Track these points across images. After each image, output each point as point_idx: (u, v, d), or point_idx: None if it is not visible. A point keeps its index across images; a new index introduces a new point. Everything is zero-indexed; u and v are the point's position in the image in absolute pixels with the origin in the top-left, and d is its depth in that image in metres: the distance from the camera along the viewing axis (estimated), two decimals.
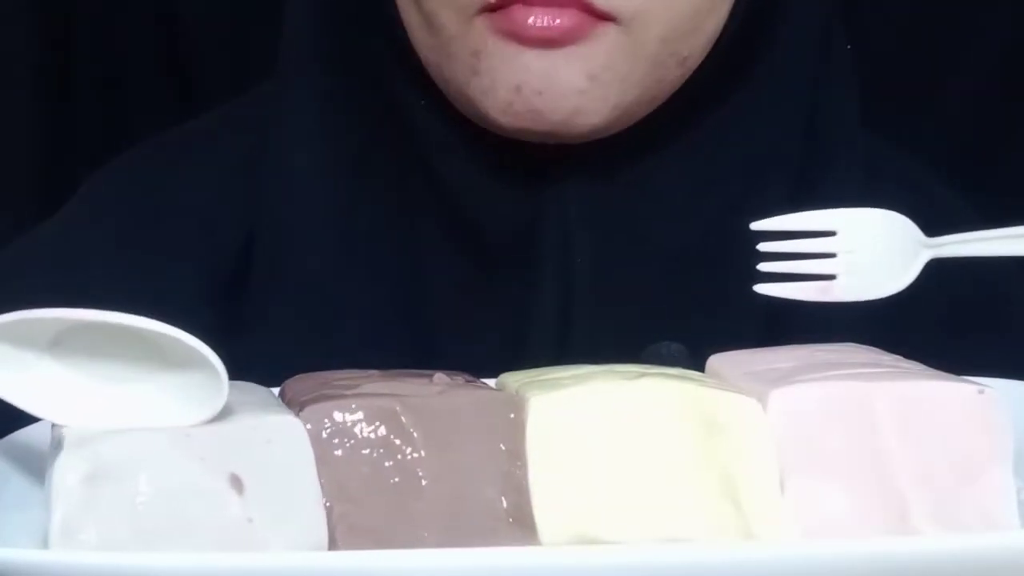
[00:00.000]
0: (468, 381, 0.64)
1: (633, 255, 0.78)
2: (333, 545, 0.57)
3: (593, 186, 0.78)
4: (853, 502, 0.59)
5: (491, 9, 0.73)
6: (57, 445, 0.57)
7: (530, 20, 0.72)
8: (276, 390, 0.65)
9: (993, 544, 0.56)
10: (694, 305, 0.78)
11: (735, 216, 0.78)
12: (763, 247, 0.67)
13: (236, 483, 0.57)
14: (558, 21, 0.72)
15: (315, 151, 0.80)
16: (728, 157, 0.79)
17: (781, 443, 0.59)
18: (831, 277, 0.67)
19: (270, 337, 0.77)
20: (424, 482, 0.58)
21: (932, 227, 0.67)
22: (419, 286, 0.79)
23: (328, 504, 0.58)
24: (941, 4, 1.22)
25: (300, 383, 0.64)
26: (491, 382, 0.66)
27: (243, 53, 0.85)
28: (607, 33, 0.73)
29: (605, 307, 0.77)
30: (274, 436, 0.58)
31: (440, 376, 0.63)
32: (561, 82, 0.73)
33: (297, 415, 0.59)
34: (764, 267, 0.67)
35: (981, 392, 0.59)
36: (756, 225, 0.67)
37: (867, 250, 0.67)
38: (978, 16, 1.22)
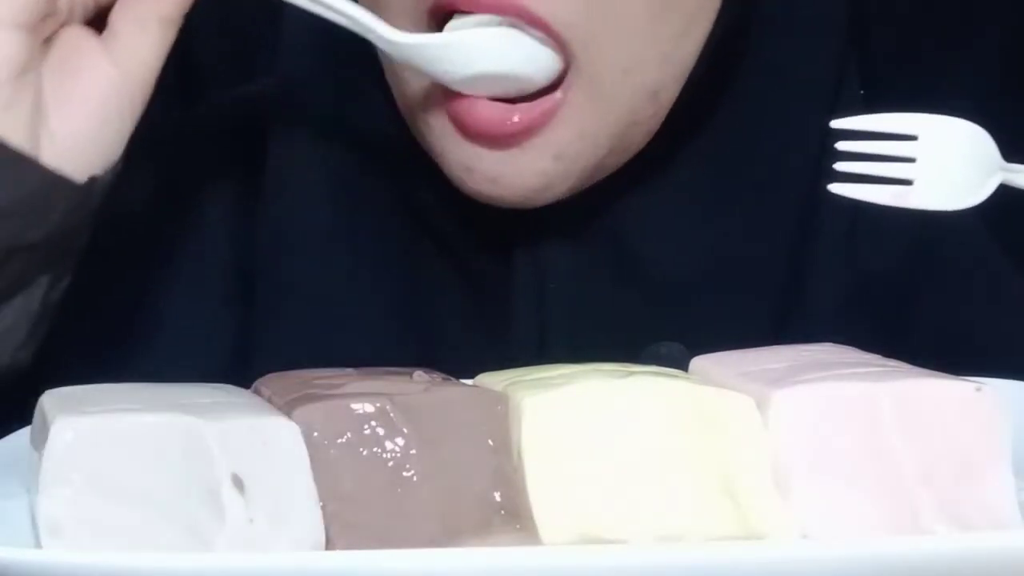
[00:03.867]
0: (445, 379, 0.64)
1: (612, 302, 0.76)
2: (328, 544, 0.57)
3: (571, 237, 0.76)
4: (863, 502, 0.59)
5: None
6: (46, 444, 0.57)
7: (478, 110, 0.69)
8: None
9: (998, 543, 0.57)
10: (676, 338, 0.77)
11: (726, 254, 0.77)
12: (840, 146, 0.65)
13: (238, 483, 0.57)
14: (516, 119, 0.69)
15: (312, 170, 0.79)
16: (714, 199, 0.77)
17: (786, 444, 0.59)
18: (908, 183, 0.65)
19: (273, 350, 0.76)
20: (416, 478, 0.58)
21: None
22: (419, 301, 0.78)
23: (321, 503, 0.58)
24: (940, 7, 1.22)
25: (275, 382, 0.63)
26: (468, 382, 0.65)
27: (243, 53, 0.84)
28: (569, 112, 0.69)
29: (583, 338, 0.76)
30: (270, 438, 0.58)
31: (419, 374, 0.63)
32: (519, 170, 0.70)
33: (286, 415, 0.59)
34: (840, 167, 0.65)
35: (978, 390, 0.60)
36: (836, 123, 0.65)
37: (947, 159, 0.65)
38: (976, 17, 1.22)
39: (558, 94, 0.70)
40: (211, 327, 0.79)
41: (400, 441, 0.58)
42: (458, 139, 0.70)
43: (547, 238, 0.76)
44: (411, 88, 0.72)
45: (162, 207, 0.82)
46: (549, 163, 0.70)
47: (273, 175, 0.79)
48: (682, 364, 0.67)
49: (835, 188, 0.65)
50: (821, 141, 0.77)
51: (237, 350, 0.78)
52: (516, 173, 0.70)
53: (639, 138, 0.73)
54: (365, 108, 0.78)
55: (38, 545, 0.55)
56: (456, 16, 0.69)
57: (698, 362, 0.66)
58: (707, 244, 0.77)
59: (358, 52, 0.78)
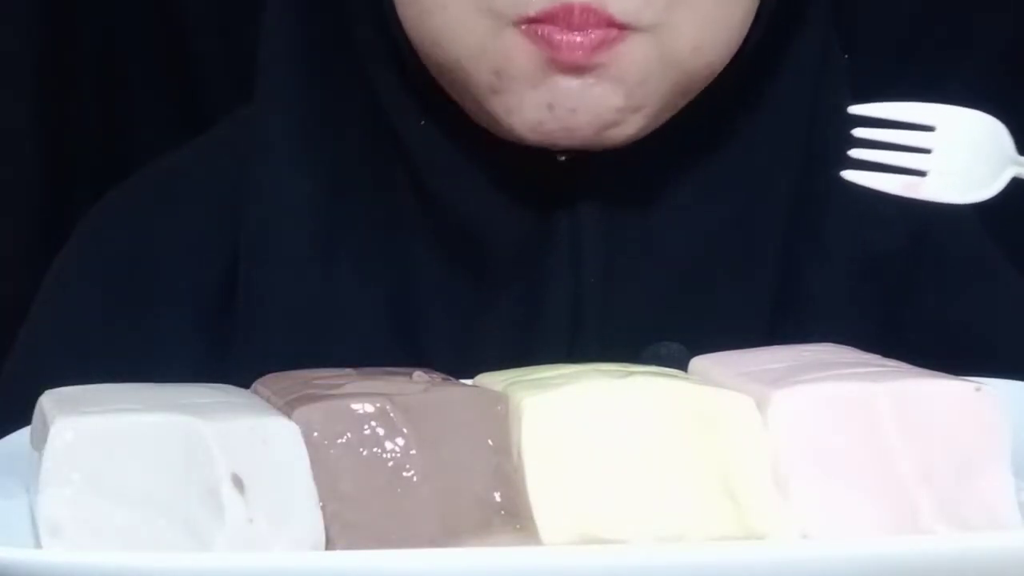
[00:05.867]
0: (445, 379, 0.64)
1: (642, 268, 0.77)
2: (328, 544, 0.57)
3: (604, 201, 0.76)
4: (863, 502, 0.59)
5: (528, 21, 0.70)
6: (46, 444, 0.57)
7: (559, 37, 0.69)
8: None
9: (998, 543, 0.57)
10: (701, 315, 0.77)
11: (740, 225, 0.77)
12: (857, 133, 0.65)
13: (237, 483, 0.57)
14: (595, 35, 0.69)
15: (295, 179, 0.78)
16: (736, 168, 0.78)
17: (786, 444, 0.59)
18: (921, 174, 0.64)
19: (258, 366, 0.76)
20: (416, 478, 0.58)
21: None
22: (412, 309, 0.78)
23: (321, 503, 0.58)
24: (939, 7, 1.22)
25: (276, 382, 0.63)
26: (467, 382, 0.65)
27: (244, 55, 0.84)
28: (636, 45, 0.71)
29: (614, 321, 0.76)
30: (270, 437, 0.58)
31: (419, 374, 0.63)
32: (596, 99, 0.71)
33: (286, 415, 0.59)
34: (855, 153, 0.65)
35: (978, 390, 0.60)
36: (854, 109, 0.65)
37: (962, 151, 0.64)
38: (977, 18, 1.22)
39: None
40: (192, 340, 0.80)
41: (400, 441, 0.58)
42: (535, 76, 0.71)
43: (582, 228, 0.76)
44: (474, 39, 0.72)
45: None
46: (622, 99, 0.72)
47: (254, 185, 0.79)
48: (682, 364, 0.67)
49: (848, 175, 0.65)
50: (811, 126, 0.78)
51: (218, 362, 0.78)
52: (595, 104, 0.71)
53: (683, 102, 0.75)
54: (355, 115, 0.78)
55: (38, 545, 0.55)
56: None
57: (698, 362, 0.66)
58: (708, 225, 0.78)
59: (344, 59, 0.78)
